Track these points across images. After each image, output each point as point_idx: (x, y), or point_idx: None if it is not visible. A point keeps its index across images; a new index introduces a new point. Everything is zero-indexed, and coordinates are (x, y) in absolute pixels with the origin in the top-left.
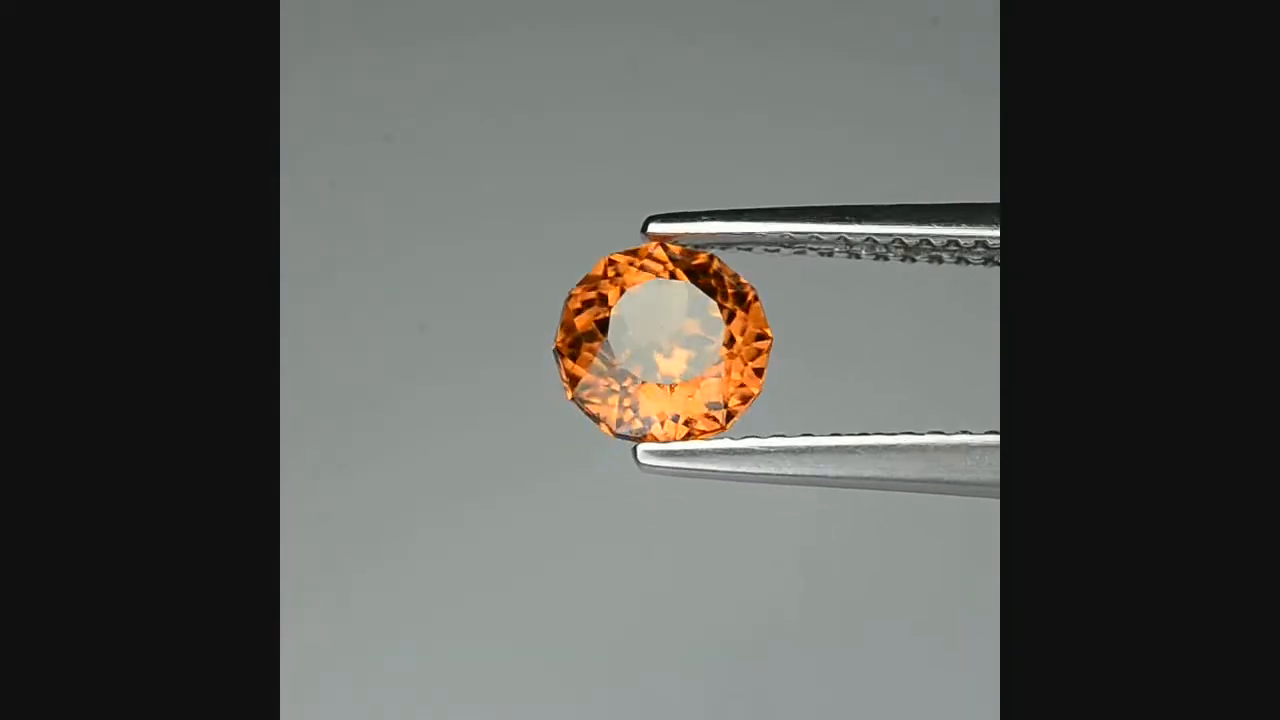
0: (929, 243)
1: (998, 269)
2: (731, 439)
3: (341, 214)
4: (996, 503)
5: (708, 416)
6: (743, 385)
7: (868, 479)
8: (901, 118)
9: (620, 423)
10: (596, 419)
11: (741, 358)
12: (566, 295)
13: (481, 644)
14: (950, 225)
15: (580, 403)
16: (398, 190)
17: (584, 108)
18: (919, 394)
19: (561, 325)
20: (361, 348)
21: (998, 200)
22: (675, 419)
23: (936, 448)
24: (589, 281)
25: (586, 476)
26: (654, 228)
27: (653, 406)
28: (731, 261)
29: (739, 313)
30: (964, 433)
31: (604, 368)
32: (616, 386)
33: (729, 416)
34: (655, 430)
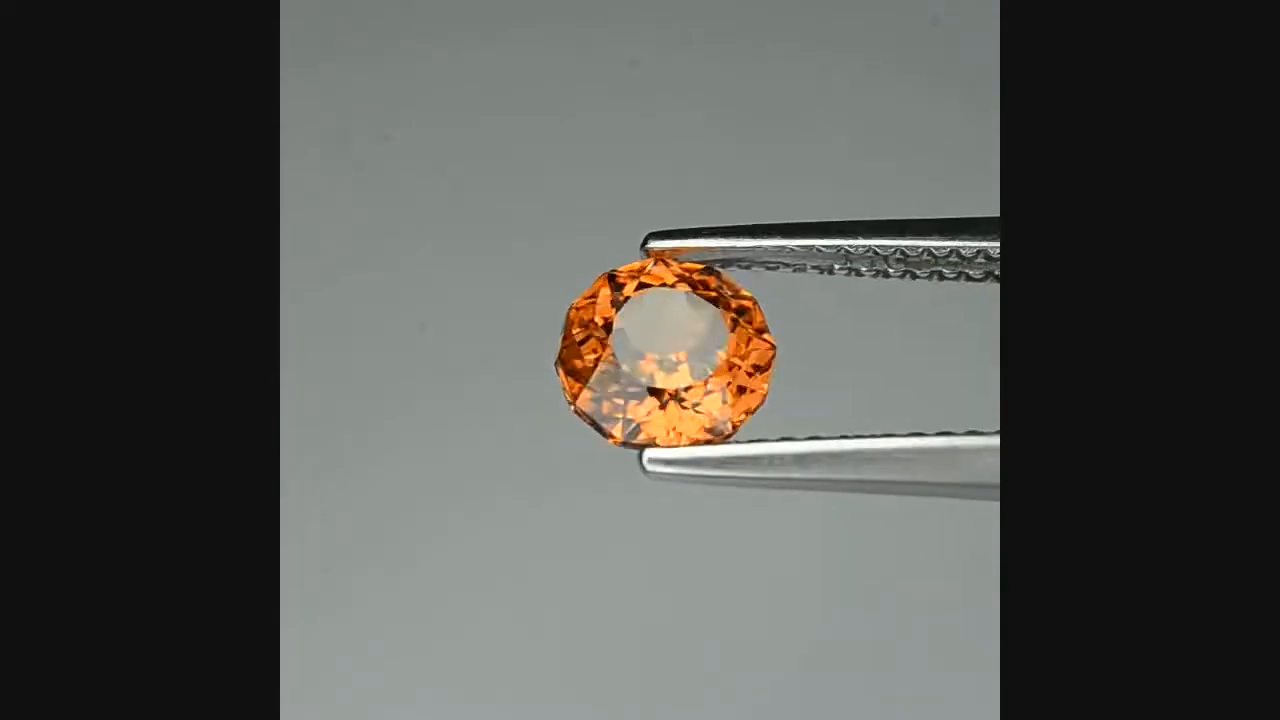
0: (930, 254)
1: (999, 283)
2: (737, 443)
3: (341, 214)
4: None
5: (711, 428)
6: (746, 394)
7: (874, 483)
8: (900, 119)
9: (625, 432)
10: (599, 430)
11: (745, 367)
12: (568, 307)
13: (482, 645)
14: (951, 238)
15: (582, 413)
16: (398, 190)
17: (584, 109)
18: (921, 404)
19: (564, 336)
20: (361, 348)
21: (997, 208)
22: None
23: (943, 450)
24: (590, 294)
25: (589, 476)
26: (654, 244)
27: (656, 417)
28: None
29: (741, 323)
30: (970, 433)
31: (606, 379)
32: (619, 398)
33: (733, 427)
34: (660, 437)
